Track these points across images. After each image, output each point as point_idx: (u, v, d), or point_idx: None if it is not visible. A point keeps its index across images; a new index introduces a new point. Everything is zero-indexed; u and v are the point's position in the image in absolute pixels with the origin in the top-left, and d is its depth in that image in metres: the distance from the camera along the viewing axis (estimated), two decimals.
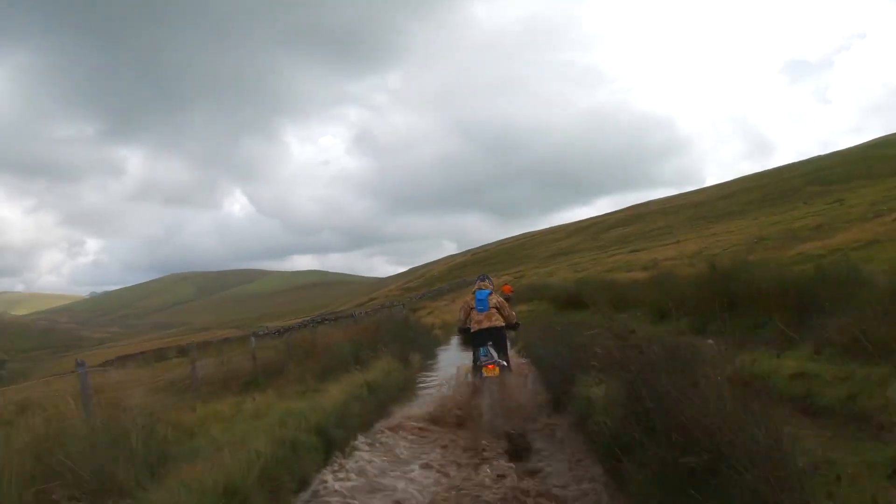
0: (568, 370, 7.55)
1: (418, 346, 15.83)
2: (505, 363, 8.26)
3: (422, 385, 11.88)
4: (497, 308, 8.75)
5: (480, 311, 8.71)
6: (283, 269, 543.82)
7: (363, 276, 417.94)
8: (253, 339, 14.36)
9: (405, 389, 11.22)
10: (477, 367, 8.32)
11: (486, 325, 8.60)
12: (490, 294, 8.83)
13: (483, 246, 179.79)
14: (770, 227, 38.08)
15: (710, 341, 6.79)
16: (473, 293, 9.03)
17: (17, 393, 13.92)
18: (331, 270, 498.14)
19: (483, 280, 9.31)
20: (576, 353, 7.43)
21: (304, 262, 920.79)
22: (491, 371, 7.94)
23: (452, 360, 14.82)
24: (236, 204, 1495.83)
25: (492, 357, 8.06)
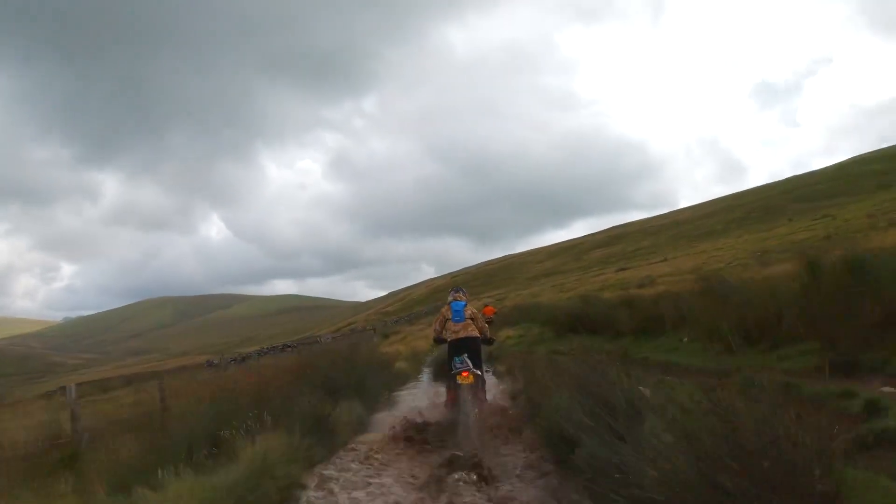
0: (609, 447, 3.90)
1: (365, 391, 10.74)
2: (479, 373, 8.26)
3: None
4: (472, 319, 8.74)
5: (456, 321, 8.68)
6: (262, 294, 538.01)
7: (343, 301, 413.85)
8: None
9: None
10: (451, 374, 8.19)
11: (462, 334, 8.57)
12: (465, 305, 8.85)
13: (464, 269, 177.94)
14: (763, 242, 36.58)
15: None
16: (449, 304, 8.96)
17: None
18: (310, 295, 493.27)
19: (457, 292, 9.20)
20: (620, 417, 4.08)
21: (283, 287, 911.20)
22: (465, 379, 7.82)
23: (420, 400, 10.60)
24: (213, 228, 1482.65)
25: (467, 365, 7.98)
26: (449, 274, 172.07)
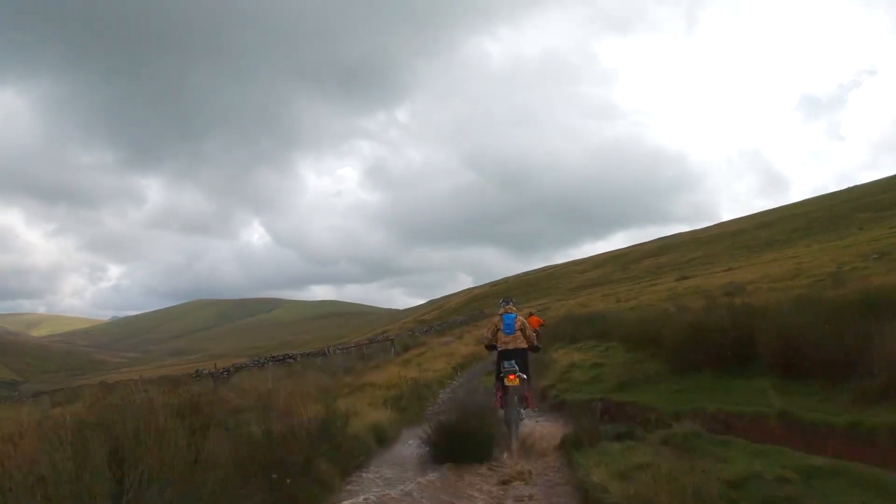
0: None
1: None
2: (525, 376, 9.05)
3: None
4: (521, 330, 9.38)
5: (507, 333, 9.35)
6: (301, 299, 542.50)
7: (381, 308, 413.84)
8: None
9: None
10: (499, 377, 9.13)
11: (511, 346, 9.26)
12: (516, 318, 9.46)
13: (503, 278, 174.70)
14: (845, 249, 32.87)
15: None
16: (501, 316, 9.60)
17: None
18: (349, 301, 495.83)
19: (508, 304, 9.88)
20: None
21: (322, 293, 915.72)
22: (512, 381, 8.76)
23: None
24: (254, 234, 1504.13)
25: (514, 368, 8.88)
26: (488, 283, 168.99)
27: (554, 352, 16.52)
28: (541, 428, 9.22)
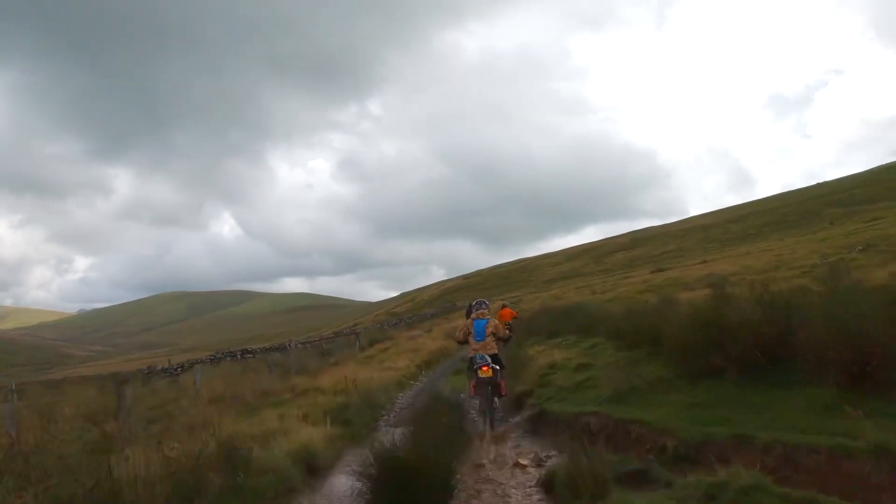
0: None
1: None
2: (498, 367, 9.02)
3: None
4: (493, 334, 9.34)
5: (478, 340, 9.26)
6: (273, 291, 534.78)
7: (354, 300, 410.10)
8: None
9: None
10: (472, 370, 9.01)
11: (482, 352, 9.14)
12: (487, 323, 9.42)
13: (476, 271, 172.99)
14: (822, 242, 31.69)
15: None
16: (472, 321, 9.54)
17: None
18: (322, 293, 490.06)
19: (481, 307, 9.73)
20: None
21: (294, 285, 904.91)
22: (485, 372, 8.81)
23: None
24: (225, 226, 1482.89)
25: (486, 361, 8.93)
26: (460, 276, 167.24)
27: (529, 347, 14.44)
28: (519, 456, 7.04)
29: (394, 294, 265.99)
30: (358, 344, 26.08)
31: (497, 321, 10.08)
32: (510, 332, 10.42)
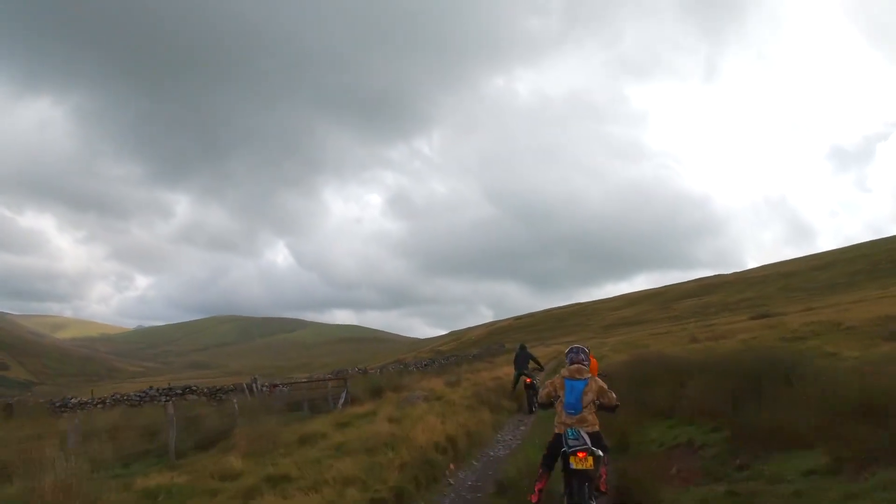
0: None
1: None
2: (601, 453, 5.96)
3: None
4: (594, 402, 6.20)
5: (571, 414, 6.16)
6: (323, 321, 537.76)
7: (401, 336, 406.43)
8: None
9: None
10: (564, 453, 5.96)
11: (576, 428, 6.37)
12: (586, 386, 6.21)
13: (528, 313, 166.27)
14: None
15: None
16: (563, 380, 6.38)
17: None
18: (370, 326, 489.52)
19: (577, 354, 6.59)
20: None
21: (343, 317, 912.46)
22: (582, 461, 5.79)
23: None
24: (279, 255, 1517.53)
25: (584, 442, 5.88)
26: (511, 317, 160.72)
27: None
28: None
29: (441, 332, 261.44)
30: (344, 398, 18.55)
31: (601, 383, 6.33)
32: (616, 402, 6.35)
